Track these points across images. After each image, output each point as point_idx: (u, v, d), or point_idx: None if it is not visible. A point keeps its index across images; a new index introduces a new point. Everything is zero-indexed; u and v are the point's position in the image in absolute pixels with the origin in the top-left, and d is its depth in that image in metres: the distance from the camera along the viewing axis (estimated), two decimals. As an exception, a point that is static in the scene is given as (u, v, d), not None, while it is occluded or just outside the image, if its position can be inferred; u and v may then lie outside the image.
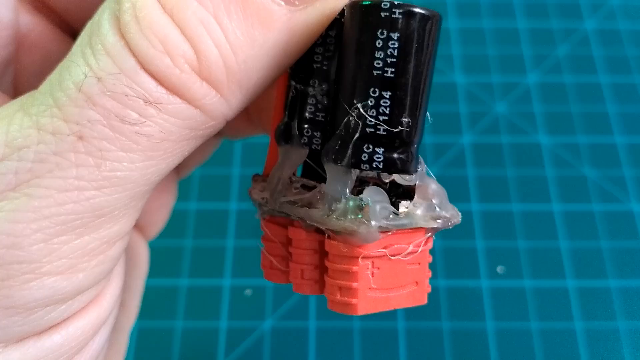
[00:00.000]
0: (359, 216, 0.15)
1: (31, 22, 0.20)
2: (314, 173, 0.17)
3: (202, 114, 0.14)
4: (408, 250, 0.16)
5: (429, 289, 0.18)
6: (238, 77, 0.14)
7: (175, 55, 0.13)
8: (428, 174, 0.17)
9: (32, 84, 0.16)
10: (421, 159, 0.16)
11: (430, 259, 0.17)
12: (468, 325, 0.32)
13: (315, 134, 0.16)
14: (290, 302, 0.33)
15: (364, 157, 0.15)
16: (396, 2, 0.14)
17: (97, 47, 0.14)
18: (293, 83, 0.16)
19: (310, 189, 0.16)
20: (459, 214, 0.17)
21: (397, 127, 0.15)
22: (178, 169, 0.24)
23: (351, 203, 0.15)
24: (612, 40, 0.42)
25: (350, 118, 0.15)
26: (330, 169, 0.16)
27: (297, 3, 0.14)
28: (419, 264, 0.17)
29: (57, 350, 0.16)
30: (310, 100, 0.16)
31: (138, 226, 0.18)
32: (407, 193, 0.17)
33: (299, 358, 0.31)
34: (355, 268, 0.16)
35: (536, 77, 0.41)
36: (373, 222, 0.15)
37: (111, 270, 0.16)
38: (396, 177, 0.16)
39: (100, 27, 0.14)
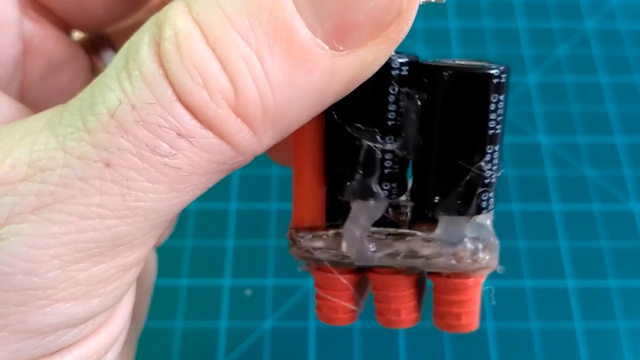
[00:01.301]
0: (485, 254, 0.17)
1: (34, 27, 0.19)
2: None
3: (233, 149, 0.14)
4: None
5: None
6: (273, 117, 0.14)
7: (213, 89, 0.13)
8: None
9: (37, 88, 0.15)
10: None
11: None
12: (468, 325, 0.32)
13: (393, 185, 0.17)
14: (290, 302, 0.33)
15: (484, 204, 0.17)
16: (501, 67, 0.16)
17: (135, 73, 0.13)
18: (367, 143, 0.16)
19: (396, 236, 0.18)
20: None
21: (499, 172, 0.17)
22: None
23: (475, 244, 0.17)
24: (612, 40, 0.42)
25: (472, 175, 0.16)
26: (448, 220, 0.17)
27: (341, 49, 0.14)
28: None
29: None
30: (387, 156, 0.17)
31: None
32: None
33: (299, 358, 0.31)
34: (476, 295, 0.18)
35: (536, 77, 0.41)
36: (494, 255, 0.18)
37: (125, 295, 0.16)
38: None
39: (139, 51, 0.13)
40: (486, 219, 0.19)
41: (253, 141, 0.14)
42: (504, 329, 0.32)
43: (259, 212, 0.36)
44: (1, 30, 0.18)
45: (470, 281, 0.18)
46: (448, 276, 0.18)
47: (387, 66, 0.16)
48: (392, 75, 0.16)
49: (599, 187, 0.36)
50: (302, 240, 0.18)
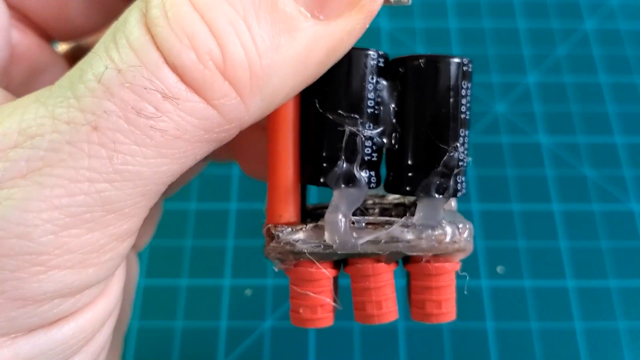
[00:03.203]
0: (465, 236, 0.18)
1: (19, 35, 0.20)
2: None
3: (219, 115, 0.14)
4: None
5: None
6: (260, 82, 0.14)
7: (201, 51, 0.13)
8: None
9: (19, 93, 0.16)
10: None
11: None
12: (468, 325, 0.32)
13: (371, 173, 0.18)
14: (290, 302, 0.33)
15: (459, 186, 0.18)
16: (465, 57, 0.17)
17: (121, 42, 0.14)
18: (349, 128, 0.17)
19: (376, 225, 0.18)
20: None
21: (469, 157, 0.18)
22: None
23: (450, 227, 0.18)
24: (612, 40, 0.42)
25: (451, 156, 0.17)
26: (426, 202, 0.18)
27: (321, 18, 0.15)
28: None
29: (67, 342, 0.16)
30: (367, 143, 0.17)
31: None
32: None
33: (299, 358, 0.31)
34: (453, 282, 0.19)
35: (536, 77, 0.41)
36: (470, 239, 0.18)
37: (119, 267, 0.17)
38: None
39: (127, 23, 0.14)
40: (452, 205, 0.20)
41: (240, 107, 0.14)
42: (504, 329, 0.32)
43: (258, 212, 0.36)
44: None
45: (448, 265, 0.18)
46: (428, 261, 0.18)
47: (366, 57, 0.17)
48: (370, 65, 0.17)
49: (599, 187, 0.36)
50: (281, 235, 0.18)
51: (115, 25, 0.14)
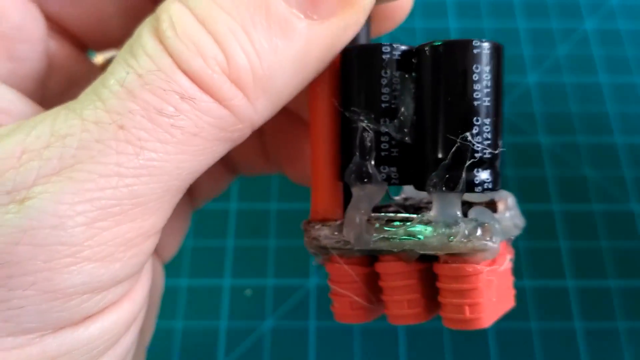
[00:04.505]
0: (481, 235, 0.16)
1: (56, 45, 0.21)
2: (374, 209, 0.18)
3: (231, 114, 0.15)
4: (508, 259, 0.18)
5: (514, 291, 0.19)
6: (263, 82, 0.15)
7: (208, 57, 0.15)
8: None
9: (54, 104, 0.16)
10: None
11: (511, 264, 0.19)
12: (468, 325, 0.32)
13: (392, 169, 0.17)
14: (290, 302, 0.33)
15: (476, 180, 0.16)
16: (487, 41, 0.16)
17: (138, 52, 0.15)
18: (363, 124, 0.17)
19: (398, 222, 0.17)
20: (524, 220, 0.19)
21: (497, 149, 0.17)
22: (193, 198, 0.25)
23: (469, 225, 0.17)
24: (612, 40, 0.42)
25: (458, 146, 0.16)
26: (439, 197, 0.17)
27: (314, 17, 0.16)
28: (508, 270, 0.19)
29: (93, 342, 0.16)
30: (383, 139, 0.17)
31: (155, 249, 0.19)
32: (489, 208, 0.18)
33: (299, 358, 0.31)
34: (480, 284, 0.17)
35: (536, 77, 0.41)
36: (495, 239, 0.17)
37: (143, 266, 0.17)
38: (474, 195, 0.18)
39: (140, 37, 0.15)
40: (509, 202, 0.18)
41: (248, 107, 0.16)
42: (504, 329, 0.32)
43: (259, 212, 0.36)
44: (30, 45, 0.20)
45: (469, 267, 0.17)
46: (446, 261, 0.17)
47: (376, 52, 0.17)
48: (382, 59, 0.17)
49: (599, 187, 0.36)
50: (311, 230, 0.19)
51: (129, 41, 0.16)
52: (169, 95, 0.15)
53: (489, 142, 0.17)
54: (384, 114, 0.17)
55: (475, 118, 0.16)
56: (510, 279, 0.19)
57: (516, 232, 0.19)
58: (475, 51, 0.16)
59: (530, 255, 0.34)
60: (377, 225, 0.17)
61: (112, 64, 0.16)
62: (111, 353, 0.17)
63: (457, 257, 0.17)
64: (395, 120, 0.17)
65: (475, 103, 0.16)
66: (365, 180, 0.17)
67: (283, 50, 0.15)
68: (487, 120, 0.16)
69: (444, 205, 0.17)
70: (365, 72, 0.17)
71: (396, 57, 0.17)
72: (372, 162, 0.17)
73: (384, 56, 0.17)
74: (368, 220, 0.18)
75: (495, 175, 0.17)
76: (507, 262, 0.18)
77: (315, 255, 0.19)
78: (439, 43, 0.17)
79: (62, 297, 0.15)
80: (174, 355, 0.31)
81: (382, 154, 0.17)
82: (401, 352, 0.31)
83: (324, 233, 0.18)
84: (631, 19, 0.43)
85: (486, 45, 0.16)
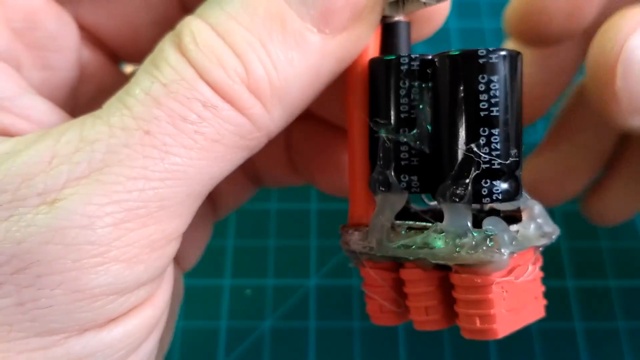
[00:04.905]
0: (490, 246, 0.17)
1: (89, 55, 0.22)
2: (405, 215, 0.19)
3: (250, 122, 0.16)
4: (529, 271, 0.18)
5: (545, 302, 0.19)
6: (279, 92, 0.16)
7: (228, 68, 0.16)
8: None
9: (84, 113, 0.17)
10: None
11: (542, 274, 0.19)
12: (468, 325, 0.32)
13: (412, 178, 0.18)
14: (290, 302, 0.33)
15: (484, 191, 0.17)
16: (490, 48, 0.16)
17: (162, 64, 0.16)
18: (383, 135, 0.18)
19: (417, 230, 0.18)
20: (558, 227, 0.19)
21: (508, 159, 0.17)
22: (215, 209, 0.26)
23: (479, 236, 0.17)
24: (612, 41, 0.42)
25: (464, 157, 0.17)
26: (449, 208, 0.17)
27: (327, 32, 0.17)
28: (535, 280, 0.19)
29: (115, 345, 0.16)
30: (403, 148, 0.18)
31: (176, 257, 0.19)
32: (512, 217, 0.18)
33: (299, 358, 0.31)
34: (491, 296, 0.17)
35: (536, 77, 0.40)
36: (503, 250, 0.17)
37: (165, 270, 0.18)
38: (498, 204, 0.18)
39: (162, 51, 0.16)
40: (536, 210, 0.18)
41: (265, 116, 0.17)
42: (504, 329, 0.32)
43: (259, 212, 0.36)
44: (63, 54, 0.20)
45: (478, 278, 0.17)
46: (457, 271, 0.17)
47: (392, 64, 0.18)
48: (401, 70, 0.18)
49: (599, 187, 0.36)
50: (345, 234, 0.19)
51: (151, 55, 0.17)
52: (192, 103, 0.16)
53: (497, 152, 0.17)
54: (404, 124, 0.18)
55: (482, 128, 0.16)
56: (537, 289, 0.19)
57: (544, 242, 0.19)
58: (481, 61, 0.16)
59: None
60: (397, 232, 0.18)
61: (136, 76, 0.16)
62: (133, 358, 0.17)
63: (467, 268, 0.17)
64: (415, 130, 0.18)
65: (482, 113, 0.16)
66: (386, 188, 0.18)
67: (298, 63, 0.16)
68: (496, 131, 0.16)
69: (453, 216, 0.17)
70: (385, 83, 0.18)
71: (415, 67, 0.18)
72: (392, 171, 0.18)
73: (402, 67, 0.18)
74: (391, 227, 0.18)
75: (508, 185, 0.17)
76: (529, 272, 0.18)
77: (350, 258, 0.20)
78: (451, 53, 0.17)
79: (88, 298, 0.15)
80: (174, 355, 0.31)
81: (402, 163, 0.18)
82: (401, 352, 0.31)
83: (353, 238, 0.19)
84: (631, 19, 0.43)
85: (493, 55, 0.16)
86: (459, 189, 0.17)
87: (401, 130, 0.18)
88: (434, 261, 0.18)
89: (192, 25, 0.16)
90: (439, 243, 0.17)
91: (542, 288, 0.19)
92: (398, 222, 0.18)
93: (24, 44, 0.19)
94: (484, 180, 0.17)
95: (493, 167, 0.17)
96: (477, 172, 0.17)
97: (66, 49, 0.21)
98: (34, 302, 0.15)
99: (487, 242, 0.17)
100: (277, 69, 0.16)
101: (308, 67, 0.17)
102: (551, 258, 0.34)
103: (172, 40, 0.16)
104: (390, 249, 0.18)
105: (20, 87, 0.18)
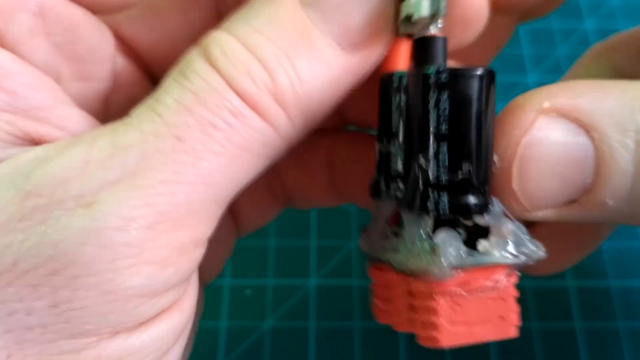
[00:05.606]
0: (432, 256, 0.17)
1: (121, 63, 0.22)
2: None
3: (274, 131, 0.17)
4: (487, 287, 0.18)
5: (517, 323, 0.19)
6: (302, 103, 0.17)
7: (256, 79, 0.16)
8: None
9: (114, 120, 0.18)
10: (494, 200, 0.18)
11: (515, 292, 0.19)
12: (468, 325, 0.32)
13: (399, 186, 0.18)
14: (290, 302, 0.33)
15: (430, 204, 0.17)
16: (443, 68, 0.17)
17: (191, 75, 0.17)
18: (378, 146, 0.19)
19: (399, 235, 0.19)
20: (541, 250, 0.19)
21: (458, 175, 0.17)
22: (238, 227, 0.26)
23: (424, 245, 0.17)
24: (612, 40, 0.42)
25: (417, 169, 0.17)
26: (405, 216, 0.18)
27: (347, 48, 0.18)
28: (502, 299, 0.18)
29: (145, 349, 0.17)
30: (393, 158, 0.19)
31: (199, 269, 0.20)
32: (486, 232, 0.18)
33: (299, 358, 0.31)
34: (434, 304, 0.18)
35: (536, 77, 0.41)
36: (443, 261, 0.17)
37: (192, 274, 0.18)
38: (477, 218, 0.18)
39: (191, 62, 0.17)
40: (501, 229, 0.18)
41: (288, 125, 0.17)
42: (504, 329, 0.32)
43: (259, 212, 0.36)
44: (99, 66, 0.21)
45: (422, 286, 0.18)
46: (409, 275, 0.18)
47: (389, 78, 0.19)
48: (392, 86, 0.18)
49: (599, 187, 0.36)
50: (361, 235, 0.21)
51: (178, 67, 0.17)
52: (222, 111, 0.16)
53: (445, 166, 0.17)
54: (394, 136, 0.19)
55: (430, 141, 0.17)
56: (505, 308, 0.19)
57: (509, 261, 0.18)
58: (432, 80, 0.17)
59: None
60: (384, 236, 0.19)
61: (163, 86, 0.17)
62: None
63: (418, 275, 0.18)
64: (396, 142, 0.18)
65: (432, 128, 0.17)
66: (377, 196, 0.19)
67: (321, 76, 0.17)
68: (444, 145, 0.17)
69: (409, 224, 0.18)
70: (382, 98, 0.19)
71: (404, 83, 0.18)
72: (383, 181, 0.19)
73: (394, 84, 0.18)
74: (382, 232, 0.19)
75: (468, 200, 0.17)
76: (486, 288, 0.18)
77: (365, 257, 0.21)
78: (416, 70, 0.18)
79: (121, 299, 0.15)
80: (174, 355, 0.31)
81: (393, 173, 0.19)
82: (401, 352, 0.31)
83: (362, 240, 0.21)
84: (631, 19, 0.43)
85: (442, 75, 0.17)
86: (411, 198, 0.18)
87: (392, 142, 0.19)
88: (395, 265, 0.19)
89: (220, 39, 0.17)
90: (401, 249, 0.18)
91: (515, 308, 0.19)
92: (386, 227, 0.19)
93: (63, 56, 0.20)
94: (432, 192, 0.17)
95: (440, 180, 0.17)
96: (425, 182, 0.17)
97: (103, 61, 0.21)
98: (68, 304, 0.15)
99: (431, 252, 0.17)
100: (302, 80, 0.17)
101: (329, 81, 0.17)
102: (551, 258, 0.34)
103: (200, 53, 0.17)
104: (377, 251, 0.19)
105: (57, 98, 0.18)
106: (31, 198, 0.15)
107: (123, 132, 0.16)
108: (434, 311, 0.18)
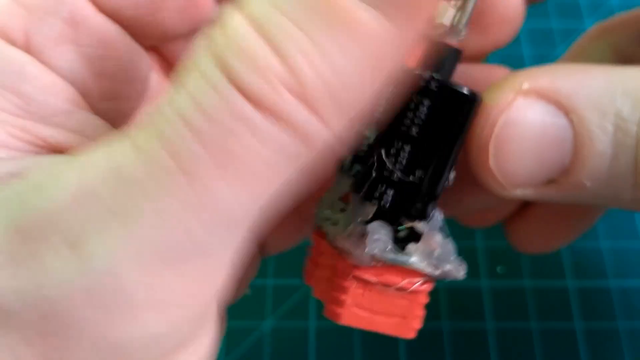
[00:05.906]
0: (359, 240, 0.18)
1: (156, 80, 0.21)
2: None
3: (301, 142, 0.13)
4: (399, 285, 0.19)
5: (417, 327, 0.20)
6: (339, 97, 0.13)
7: (271, 76, 0.13)
8: (445, 229, 0.19)
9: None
10: (437, 213, 0.19)
11: (424, 300, 0.19)
12: (468, 325, 0.32)
13: (359, 168, 0.19)
14: (290, 302, 0.33)
15: (376, 194, 0.18)
16: (437, 77, 0.17)
17: (193, 75, 0.13)
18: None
19: (343, 212, 0.19)
20: (462, 270, 0.19)
21: (409, 178, 0.18)
22: (265, 251, 0.24)
23: (357, 229, 0.18)
24: (612, 40, 0.42)
25: (375, 159, 0.18)
26: (354, 197, 0.18)
27: (390, 13, 0.13)
28: (410, 301, 0.19)
29: None
30: (364, 141, 0.19)
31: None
32: (418, 238, 0.19)
33: (299, 358, 0.31)
34: (347, 284, 0.18)
35: (536, 77, 0.40)
36: (366, 249, 0.18)
37: (206, 317, 0.16)
38: (415, 222, 0.19)
39: (198, 63, 0.14)
40: (431, 240, 0.19)
41: (322, 130, 0.13)
42: (504, 329, 0.32)
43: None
44: (127, 85, 0.20)
45: (343, 264, 0.19)
46: (337, 252, 0.19)
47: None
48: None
49: (599, 187, 0.36)
50: (320, 198, 0.21)
51: (185, 64, 0.14)
52: (231, 124, 0.13)
53: (401, 167, 0.18)
54: (373, 121, 0.19)
55: (396, 140, 0.18)
56: (411, 310, 0.19)
57: (425, 270, 0.19)
58: (422, 82, 0.17)
59: (530, 255, 0.34)
60: (330, 208, 0.20)
61: (171, 87, 0.14)
62: None
63: (342, 253, 0.19)
64: (372, 127, 0.19)
65: (402, 128, 0.18)
66: (340, 170, 0.20)
67: (359, 56, 0.13)
68: (407, 148, 0.18)
69: (355, 206, 0.19)
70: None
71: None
72: (350, 158, 0.19)
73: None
74: (332, 203, 0.20)
75: (410, 204, 0.18)
76: (396, 286, 0.18)
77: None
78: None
79: (120, 354, 0.14)
80: (174, 355, 0.31)
81: (358, 153, 0.19)
82: (401, 352, 0.31)
83: (318, 202, 0.21)
84: (631, 19, 0.43)
85: (434, 84, 0.17)
86: (362, 183, 0.18)
87: (369, 125, 0.19)
88: (330, 238, 0.19)
89: (229, 21, 0.13)
90: (339, 225, 0.19)
91: (419, 313, 0.19)
92: (339, 202, 0.20)
93: (91, 70, 0.18)
94: (381, 184, 0.18)
95: (392, 177, 0.18)
96: (378, 174, 0.18)
97: (134, 81, 0.20)
98: (58, 353, 0.14)
99: (359, 237, 0.18)
100: (335, 66, 0.13)
101: (371, 60, 0.13)
102: (551, 258, 0.34)
103: (207, 45, 0.14)
104: (319, 218, 0.20)
105: (76, 104, 0.18)
106: (20, 234, 0.14)
107: (121, 155, 0.14)
108: (344, 290, 0.18)
